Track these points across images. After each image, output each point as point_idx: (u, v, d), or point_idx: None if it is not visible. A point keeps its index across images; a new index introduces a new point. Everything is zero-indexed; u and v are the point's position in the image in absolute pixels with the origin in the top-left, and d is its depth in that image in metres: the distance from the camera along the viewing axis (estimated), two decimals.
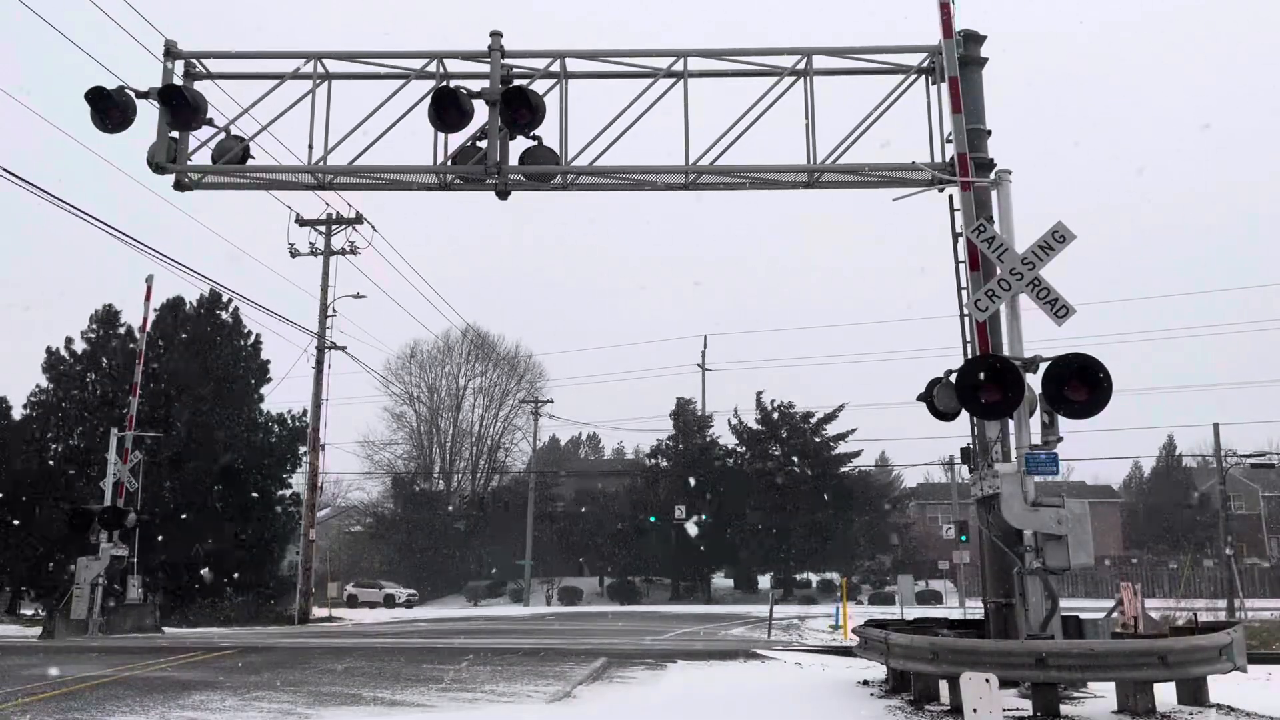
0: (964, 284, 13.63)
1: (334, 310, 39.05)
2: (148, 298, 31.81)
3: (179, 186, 14.99)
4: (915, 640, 12.10)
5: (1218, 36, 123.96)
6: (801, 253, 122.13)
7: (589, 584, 62.81)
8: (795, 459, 62.18)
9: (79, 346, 39.76)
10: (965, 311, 13.48)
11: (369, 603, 54.37)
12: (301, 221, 38.38)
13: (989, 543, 13.18)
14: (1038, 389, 12.08)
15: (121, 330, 40.28)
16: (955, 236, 13.82)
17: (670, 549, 60.01)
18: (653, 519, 59.64)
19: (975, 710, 9.04)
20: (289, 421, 41.61)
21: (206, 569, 37.67)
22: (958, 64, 14.30)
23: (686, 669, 16.59)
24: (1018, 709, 11.12)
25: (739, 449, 63.90)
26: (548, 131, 14.38)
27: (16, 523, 35.96)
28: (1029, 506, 11.74)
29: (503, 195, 14.79)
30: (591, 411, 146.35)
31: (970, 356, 13.25)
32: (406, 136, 14.78)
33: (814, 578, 62.38)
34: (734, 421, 63.64)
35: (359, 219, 38.57)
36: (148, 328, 33.50)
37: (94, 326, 40.26)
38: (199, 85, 14.84)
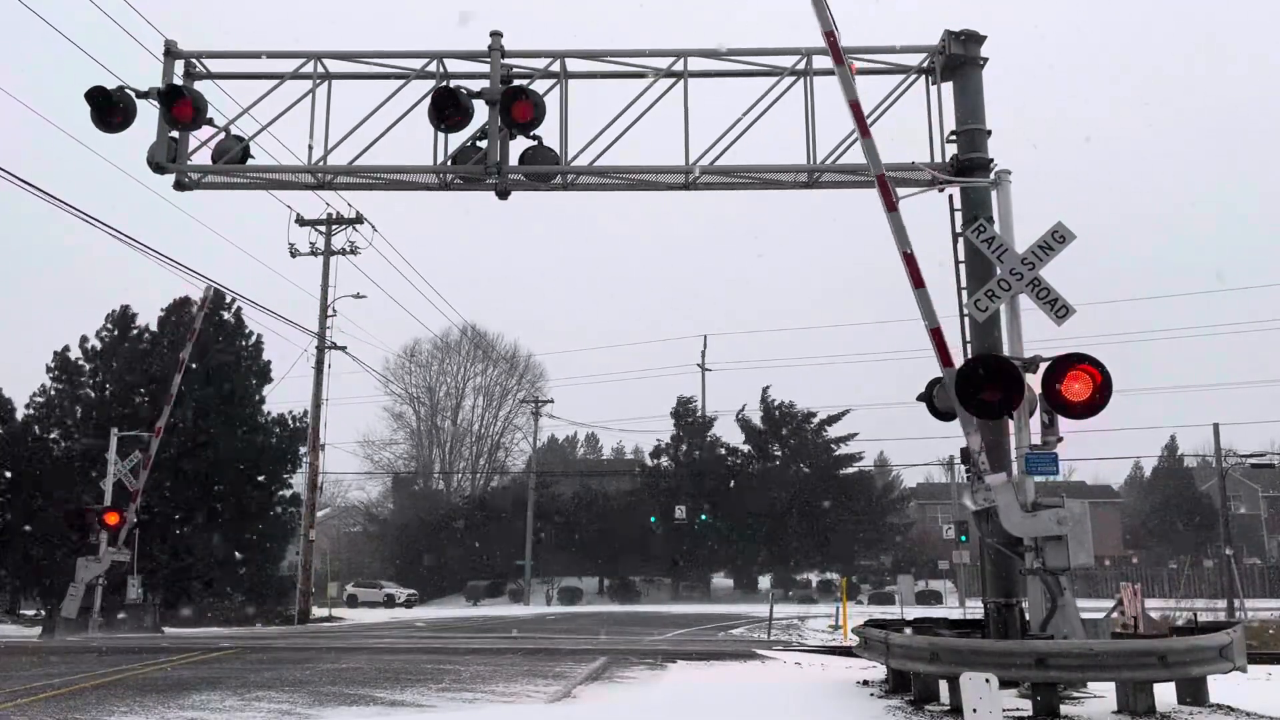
0: (964, 284, 13.64)
1: (334, 310, 39.11)
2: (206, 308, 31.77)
3: (179, 186, 15.00)
4: (915, 640, 12.11)
5: (1221, 37, 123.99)
6: (801, 252, 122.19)
7: (589, 584, 62.78)
8: (796, 459, 62.26)
9: (92, 345, 39.90)
10: (965, 311, 13.49)
11: (369, 603, 54.37)
12: (302, 221, 38.40)
13: (989, 545, 13.20)
14: (1038, 389, 12.07)
15: (134, 331, 40.48)
16: (955, 237, 13.82)
17: (670, 549, 60.02)
18: (653, 519, 59.65)
19: (975, 710, 9.04)
20: (289, 422, 41.63)
21: (206, 568, 37.66)
22: (956, 64, 14.34)
23: (686, 669, 16.59)
24: (1018, 709, 11.12)
25: (741, 448, 63.99)
26: (548, 131, 14.40)
27: (22, 525, 35.96)
28: (1027, 512, 11.67)
29: (503, 195, 14.79)
30: (591, 411, 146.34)
31: (970, 356, 13.25)
32: (406, 136, 14.78)
33: (814, 578, 62.40)
34: (742, 417, 63.75)
35: (359, 219, 38.58)
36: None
37: (109, 326, 40.37)
38: (199, 85, 14.84)
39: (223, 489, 38.80)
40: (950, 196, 14.05)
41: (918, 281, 12.31)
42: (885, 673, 13.34)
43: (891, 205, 12.44)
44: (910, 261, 12.33)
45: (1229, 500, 53.19)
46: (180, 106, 14.15)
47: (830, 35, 12.63)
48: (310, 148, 14.60)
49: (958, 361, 12.87)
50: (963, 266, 13.72)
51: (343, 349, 39.15)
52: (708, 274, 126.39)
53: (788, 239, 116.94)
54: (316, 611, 39.32)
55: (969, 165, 14.06)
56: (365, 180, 15.38)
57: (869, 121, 14.43)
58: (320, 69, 14.80)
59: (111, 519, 28.85)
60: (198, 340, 40.21)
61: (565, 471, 76.29)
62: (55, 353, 39.60)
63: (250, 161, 14.92)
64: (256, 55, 15.25)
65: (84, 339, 39.96)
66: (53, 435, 38.92)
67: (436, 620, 39.54)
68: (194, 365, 38.99)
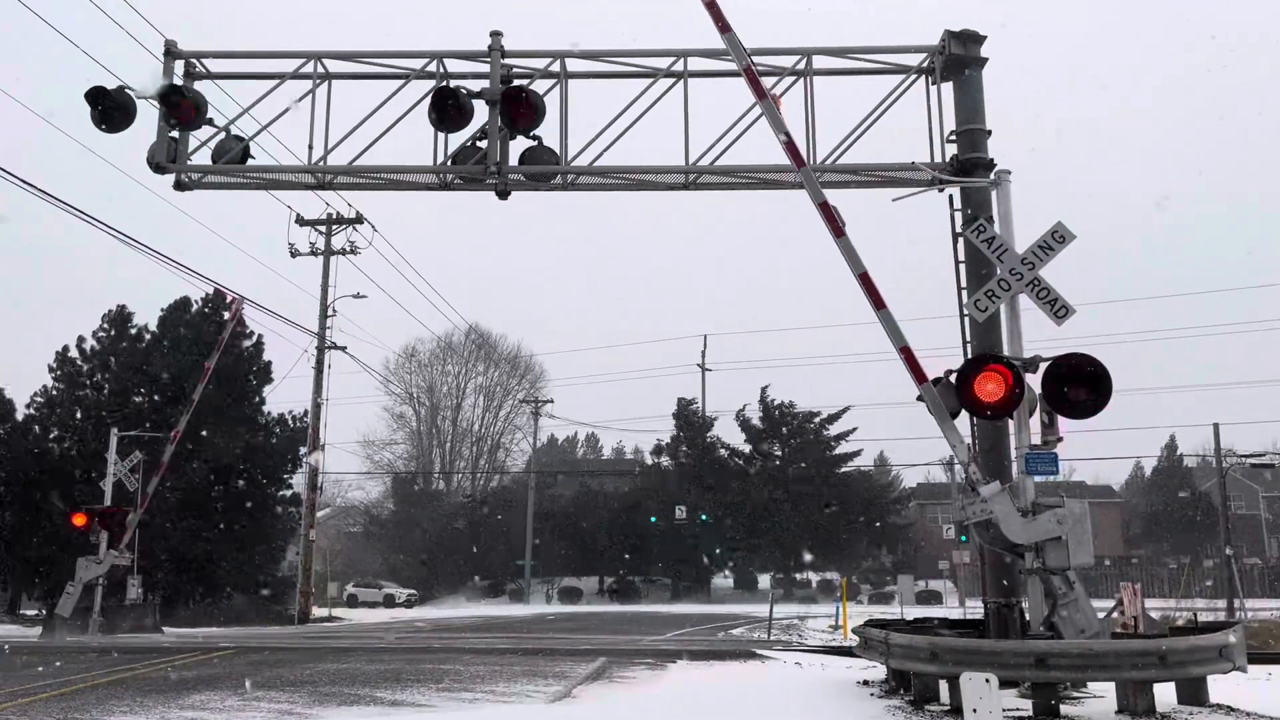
0: (964, 284, 13.64)
1: (334, 310, 39.09)
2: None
3: (179, 186, 15.00)
4: (915, 640, 12.09)
5: (1225, 36, 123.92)
6: (801, 251, 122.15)
7: (589, 584, 62.79)
8: (796, 459, 62.28)
9: (90, 345, 39.87)
10: (965, 311, 13.49)
11: (369, 603, 54.36)
12: (302, 221, 38.38)
13: (989, 549, 13.20)
14: (1038, 389, 12.05)
15: (132, 331, 40.46)
16: (955, 236, 13.83)
17: (670, 549, 60.03)
18: (653, 519, 59.66)
19: (975, 710, 9.03)
20: (289, 422, 41.59)
21: (206, 568, 37.63)
22: (956, 64, 14.34)
23: (686, 668, 16.59)
24: (1018, 709, 11.12)
25: (741, 448, 64.04)
26: (548, 131, 14.39)
27: (22, 525, 35.93)
28: (1027, 518, 11.60)
29: (503, 195, 14.78)
30: (591, 411, 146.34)
31: (970, 356, 13.25)
32: (406, 136, 14.77)
33: (814, 578, 62.44)
34: (742, 417, 63.76)
35: (359, 219, 38.55)
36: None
37: (105, 326, 40.33)
38: (199, 85, 14.84)
39: (223, 489, 38.77)
40: (950, 196, 14.07)
41: (878, 303, 12.25)
42: (885, 673, 13.34)
43: (838, 231, 12.44)
44: (868, 283, 12.26)
45: (1229, 500, 53.18)
46: (180, 107, 14.16)
47: (749, 70, 12.80)
48: (310, 148, 14.60)
49: (959, 361, 12.88)
50: (963, 266, 13.73)
51: (343, 349, 39.18)
52: (708, 274, 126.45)
53: (788, 239, 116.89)
54: (316, 611, 39.30)
55: (969, 165, 14.07)
56: (365, 180, 15.38)
57: (868, 122, 14.51)
58: (320, 69, 14.80)
59: None
60: (200, 341, 40.31)
61: (565, 471, 76.26)
62: (57, 353, 39.56)
63: (250, 161, 14.91)
64: (256, 55, 15.26)
65: (81, 339, 39.91)
66: (53, 435, 38.88)
67: (436, 620, 39.56)
68: (193, 365, 39.04)
